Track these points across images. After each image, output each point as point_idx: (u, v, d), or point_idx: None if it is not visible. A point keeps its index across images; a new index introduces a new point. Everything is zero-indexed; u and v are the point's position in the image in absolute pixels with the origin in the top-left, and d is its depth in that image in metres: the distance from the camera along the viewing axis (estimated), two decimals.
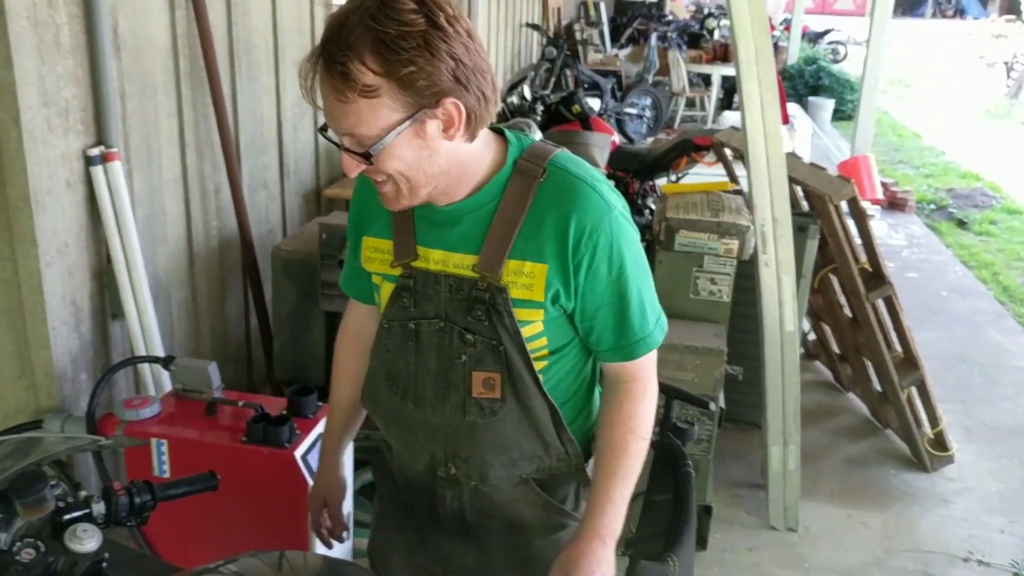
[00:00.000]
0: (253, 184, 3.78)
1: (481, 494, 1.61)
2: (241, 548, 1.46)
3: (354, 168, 1.41)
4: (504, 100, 6.42)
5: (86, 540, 1.38)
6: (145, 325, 2.87)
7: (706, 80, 11.88)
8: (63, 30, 2.55)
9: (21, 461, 1.49)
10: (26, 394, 2.72)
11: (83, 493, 1.47)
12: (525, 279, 1.46)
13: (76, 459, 2.77)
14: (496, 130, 1.52)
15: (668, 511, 1.13)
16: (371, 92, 1.29)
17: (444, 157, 1.39)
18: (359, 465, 2.91)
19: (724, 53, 11.88)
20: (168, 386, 2.92)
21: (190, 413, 2.53)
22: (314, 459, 2.41)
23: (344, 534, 1.96)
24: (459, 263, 1.50)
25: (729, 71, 11.55)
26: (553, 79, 8.86)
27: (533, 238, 1.45)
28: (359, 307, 1.82)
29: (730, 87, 12.04)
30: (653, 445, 1.43)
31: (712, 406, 2.98)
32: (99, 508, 1.45)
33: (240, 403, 2.54)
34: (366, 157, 1.36)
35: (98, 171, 2.70)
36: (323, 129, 1.43)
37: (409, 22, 1.27)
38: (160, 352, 2.92)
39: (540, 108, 6.20)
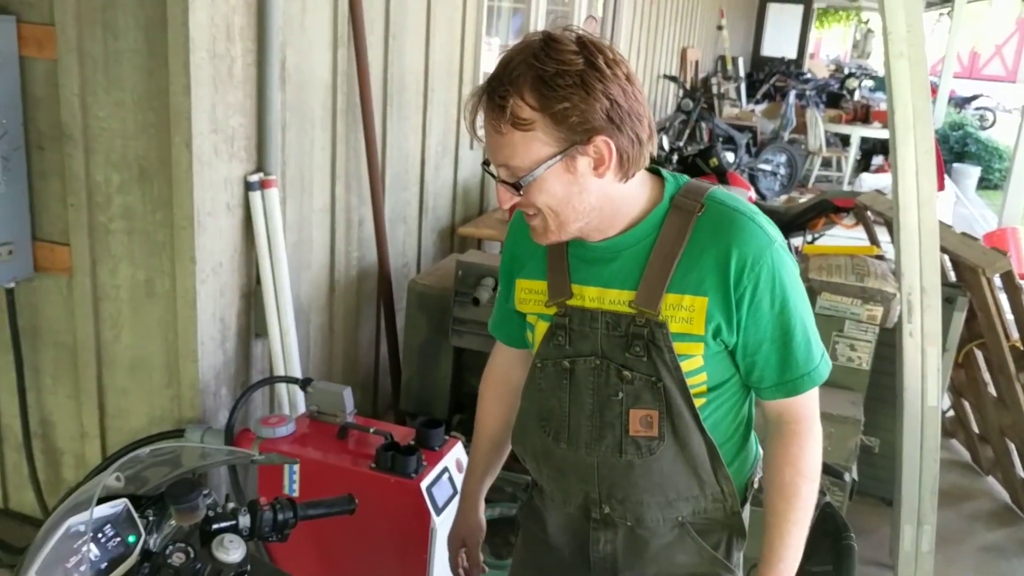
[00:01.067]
0: (394, 218, 3.89)
1: (636, 537, 1.59)
2: (362, 574, 1.48)
3: (507, 200, 1.45)
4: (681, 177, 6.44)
5: (232, 550, 1.43)
6: (286, 346, 2.98)
7: (844, 140, 11.62)
8: (237, 63, 2.70)
9: (176, 468, 1.56)
10: (171, 404, 2.85)
11: (231, 505, 1.52)
12: (685, 312, 1.45)
13: (209, 472, 2.88)
14: (653, 171, 1.53)
15: None
16: (525, 125, 1.35)
17: (595, 194, 1.42)
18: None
19: (865, 114, 11.62)
20: (301, 407, 3.02)
21: (322, 435, 2.60)
22: (438, 491, 2.44)
23: (480, 575, 1.97)
24: (615, 299, 1.50)
25: (869, 132, 11.28)
26: (688, 131, 8.82)
27: (693, 271, 1.44)
28: (506, 351, 1.87)
29: (869, 148, 11.74)
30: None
31: (846, 477, 2.87)
32: (245, 521, 1.50)
33: (371, 430, 2.59)
34: (516, 188, 1.41)
35: (256, 196, 2.83)
36: (486, 163, 1.49)
37: (568, 62, 1.32)
38: (297, 373, 3.01)
39: (676, 159, 6.18)
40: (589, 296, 1.53)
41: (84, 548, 1.31)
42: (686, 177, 1.54)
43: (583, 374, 1.54)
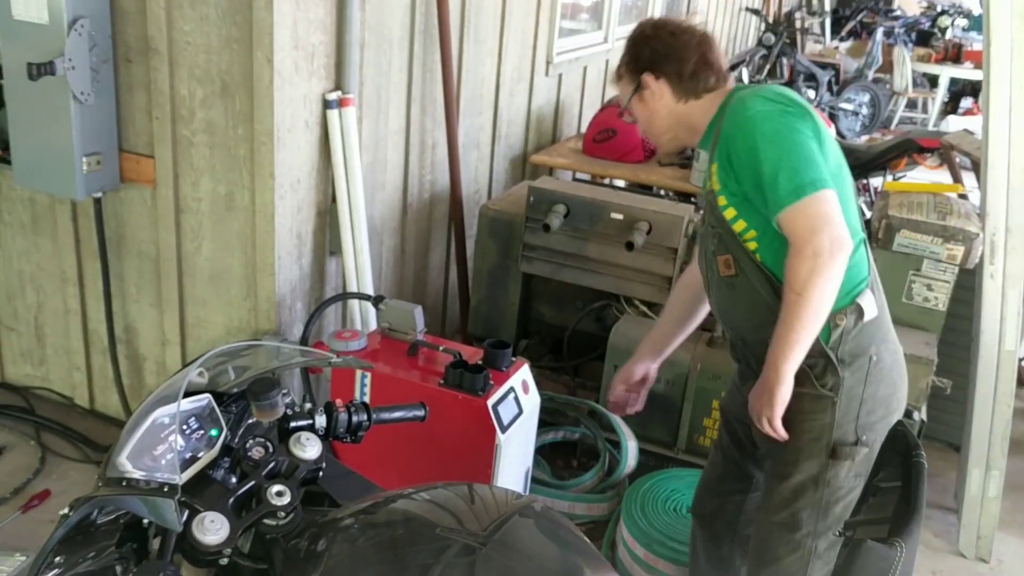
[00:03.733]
0: (467, 143, 3.90)
1: (748, 346, 2.06)
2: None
3: (629, 119, 2.16)
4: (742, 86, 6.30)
5: (308, 448, 1.48)
6: (359, 264, 3.03)
7: (932, 81, 11.15)
8: None
9: (256, 368, 1.61)
10: (248, 315, 2.94)
11: (308, 405, 1.58)
12: (713, 177, 1.93)
13: (283, 377, 2.97)
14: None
15: (894, 498, 1.09)
16: (619, 78, 2.11)
17: (664, 113, 2.04)
18: (542, 425, 2.98)
19: (956, 53, 11.12)
20: (373, 324, 3.08)
21: (393, 351, 2.66)
22: (504, 410, 2.49)
23: (632, 411, 2.46)
24: (705, 186, 2.01)
25: (959, 73, 10.81)
26: (768, 66, 8.58)
27: (714, 148, 1.92)
28: None
29: (958, 90, 11.28)
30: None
31: (915, 416, 2.83)
32: (321, 421, 1.56)
33: (440, 348, 2.64)
34: (622, 112, 2.14)
35: (334, 115, 2.86)
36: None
37: (633, 36, 2.07)
38: (370, 291, 3.07)
39: None
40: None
41: (171, 438, 1.37)
42: (748, 86, 1.98)
43: (700, 236, 2.11)
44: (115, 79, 2.79)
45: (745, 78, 6.22)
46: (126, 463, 1.31)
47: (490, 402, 2.45)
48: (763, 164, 1.79)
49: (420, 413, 1.69)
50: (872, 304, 1.92)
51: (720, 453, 2.36)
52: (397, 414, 1.66)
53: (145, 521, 1.38)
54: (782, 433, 1.91)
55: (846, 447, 1.93)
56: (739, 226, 1.90)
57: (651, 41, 2.01)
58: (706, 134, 2.01)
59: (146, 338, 3.19)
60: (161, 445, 1.36)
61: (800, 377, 1.87)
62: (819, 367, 1.91)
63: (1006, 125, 2.92)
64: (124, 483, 1.28)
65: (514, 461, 2.57)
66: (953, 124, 8.59)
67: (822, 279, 1.74)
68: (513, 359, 2.65)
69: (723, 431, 2.34)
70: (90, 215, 2.98)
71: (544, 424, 3.19)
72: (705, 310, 2.31)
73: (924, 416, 2.99)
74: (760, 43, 9.00)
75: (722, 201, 1.91)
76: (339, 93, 2.87)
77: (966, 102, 11.15)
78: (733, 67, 6.79)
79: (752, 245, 1.90)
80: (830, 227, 1.74)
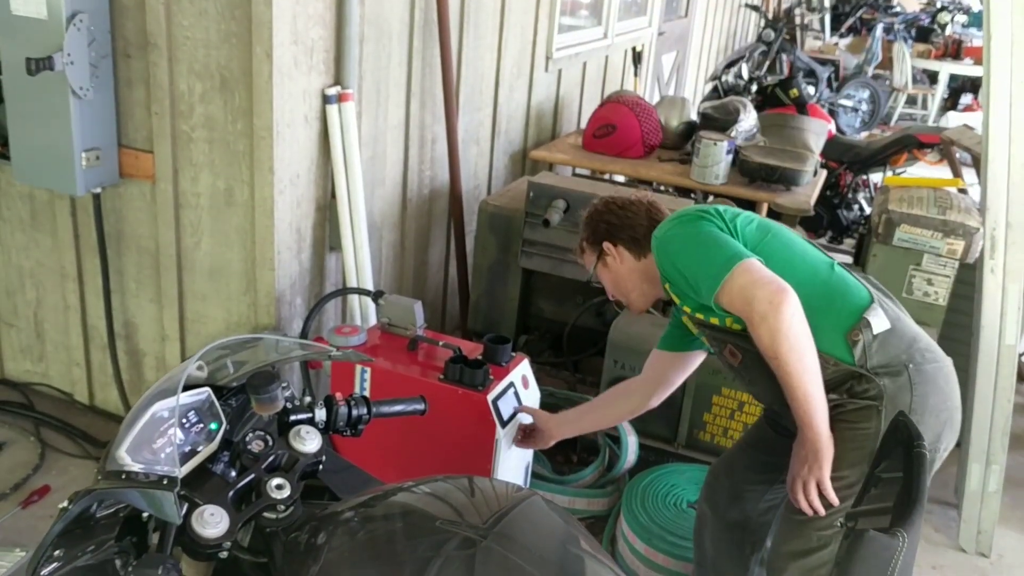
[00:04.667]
0: (467, 139, 3.89)
1: (788, 415, 1.98)
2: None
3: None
4: (719, 78, 6.28)
5: (308, 441, 1.48)
6: (359, 260, 3.03)
7: (932, 77, 11.15)
8: None
9: (256, 362, 1.61)
10: (248, 310, 2.94)
11: (307, 399, 1.57)
12: (672, 296, 2.14)
13: (282, 372, 2.97)
14: None
15: (896, 489, 1.09)
16: (583, 251, 2.37)
17: (627, 274, 2.28)
18: None
19: (956, 50, 11.12)
20: (373, 319, 3.08)
21: (393, 346, 2.66)
22: (504, 404, 2.48)
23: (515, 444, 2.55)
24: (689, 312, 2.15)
25: (959, 69, 10.81)
26: (768, 62, 8.56)
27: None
28: (656, 358, 2.46)
29: (957, 87, 11.27)
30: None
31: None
32: (321, 414, 1.55)
33: (440, 343, 2.64)
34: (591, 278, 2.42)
35: (333, 110, 2.86)
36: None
37: (589, 214, 2.35)
38: (370, 287, 3.07)
39: (755, 89, 6.02)
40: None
41: (170, 431, 1.37)
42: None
43: (706, 342, 2.24)
44: (114, 74, 2.79)
45: (745, 74, 6.21)
46: (125, 456, 1.30)
47: (490, 397, 2.44)
48: (684, 274, 1.97)
49: (420, 407, 1.69)
50: (882, 317, 1.94)
51: (753, 443, 2.41)
52: (397, 408, 1.65)
53: (145, 515, 1.38)
54: (819, 508, 1.91)
55: None
56: (715, 321, 2.04)
57: (604, 215, 2.28)
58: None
59: (146, 334, 3.18)
60: (160, 438, 1.36)
61: (839, 400, 1.94)
62: (855, 385, 1.93)
63: (1006, 119, 2.91)
64: (123, 476, 1.28)
65: (514, 456, 2.57)
66: (953, 120, 8.57)
67: (782, 333, 1.80)
68: (513, 354, 2.65)
69: (763, 426, 2.38)
70: (89, 211, 2.98)
71: None
72: (627, 417, 2.57)
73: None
74: (759, 39, 8.97)
75: (688, 309, 2.09)
76: (338, 88, 2.87)
77: (966, 98, 11.15)
78: (732, 63, 6.78)
79: (736, 327, 1.98)
80: (759, 287, 1.82)
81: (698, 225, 1.98)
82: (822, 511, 1.90)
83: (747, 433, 2.49)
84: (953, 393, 2.00)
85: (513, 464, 2.58)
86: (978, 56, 9.31)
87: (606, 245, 2.26)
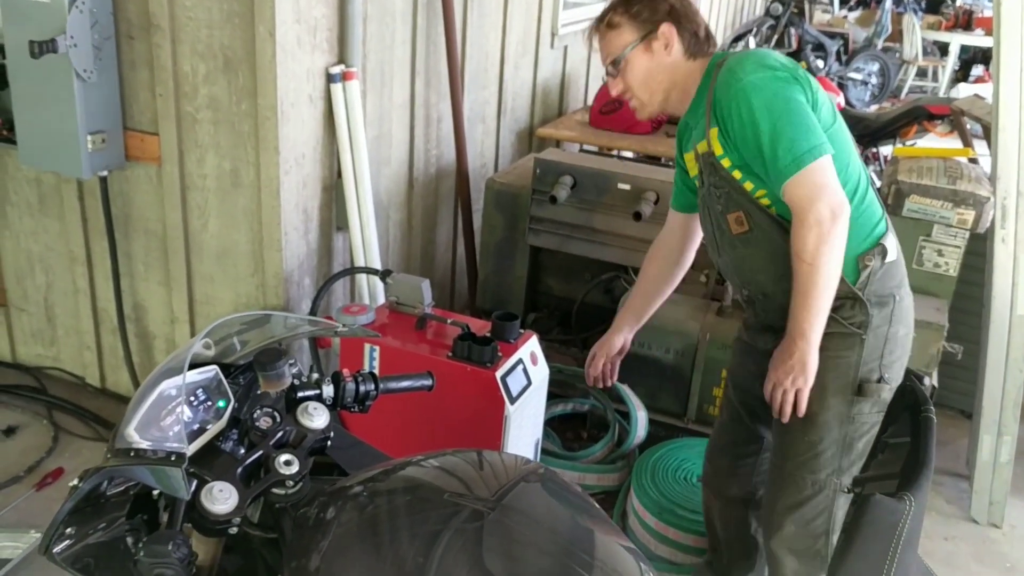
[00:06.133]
0: (472, 117, 3.88)
1: (769, 301, 2.07)
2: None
3: (614, 87, 2.10)
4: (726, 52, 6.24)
5: (316, 417, 1.48)
6: (366, 239, 3.03)
7: (942, 49, 11.05)
8: None
9: (263, 339, 1.61)
10: (256, 291, 2.94)
11: (315, 375, 1.58)
12: (713, 141, 1.96)
13: (291, 350, 2.98)
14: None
15: (903, 454, 1.09)
16: (616, 26, 2.04)
17: (667, 71, 2.02)
18: (551, 397, 2.98)
19: (967, 20, 11.01)
20: (381, 299, 3.08)
21: (401, 325, 2.66)
22: (513, 381, 2.49)
23: (608, 383, 2.49)
24: (701, 147, 2.02)
25: (970, 40, 10.71)
26: (776, 36, 8.50)
27: (709, 114, 1.95)
28: (674, 217, 2.37)
29: (968, 58, 11.17)
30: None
31: (926, 382, 2.81)
32: (328, 391, 1.55)
33: (448, 321, 2.64)
34: (616, 67, 2.05)
35: (337, 89, 2.85)
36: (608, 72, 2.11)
37: None
38: (377, 266, 3.07)
39: None
40: (702, 149, 2.02)
41: (178, 409, 1.37)
42: (722, 53, 2.02)
43: (703, 199, 2.10)
44: (118, 56, 2.78)
45: (752, 45, 6.17)
46: (134, 434, 1.31)
47: (499, 374, 2.44)
48: (761, 136, 1.84)
49: (427, 382, 1.69)
50: (895, 245, 1.99)
51: (729, 418, 2.38)
52: (404, 383, 1.65)
53: (155, 493, 1.39)
54: (802, 408, 1.96)
55: (871, 384, 1.98)
56: (748, 186, 1.94)
57: None
58: (695, 100, 2.03)
59: (155, 316, 3.19)
60: (168, 416, 1.36)
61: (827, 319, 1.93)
62: (846, 307, 1.96)
63: (1017, 88, 2.88)
64: (132, 454, 1.28)
65: (524, 432, 2.57)
66: (964, 92, 8.49)
67: (828, 246, 1.81)
68: (521, 331, 2.65)
69: (731, 396, 2.37)
70: (96, 194, 2.98)
71: (553, 396, 3.19)
72: (679, 276, 2.41)
73: (935, 382, 2.98)
74: (768, 13, 8.90)
75: (726, 163, 1.95)
76: (342, 67, 2.86)
77: (977, 70, 11.04)
78: (739, 37, 6.73)
79: (765, 201, 1.94)
80: (827, 194, 1.81)
81: (791, 89, 1.85)
82: (796, 414, 1.96)
83: (722, 412, 2.46)
84: (912, 326, 2.08)
85: (523, 440, 2.59)
86: (989, 27, 9.21)
87: (665, 27, 1.98)
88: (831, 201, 1.81)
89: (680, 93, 2.04)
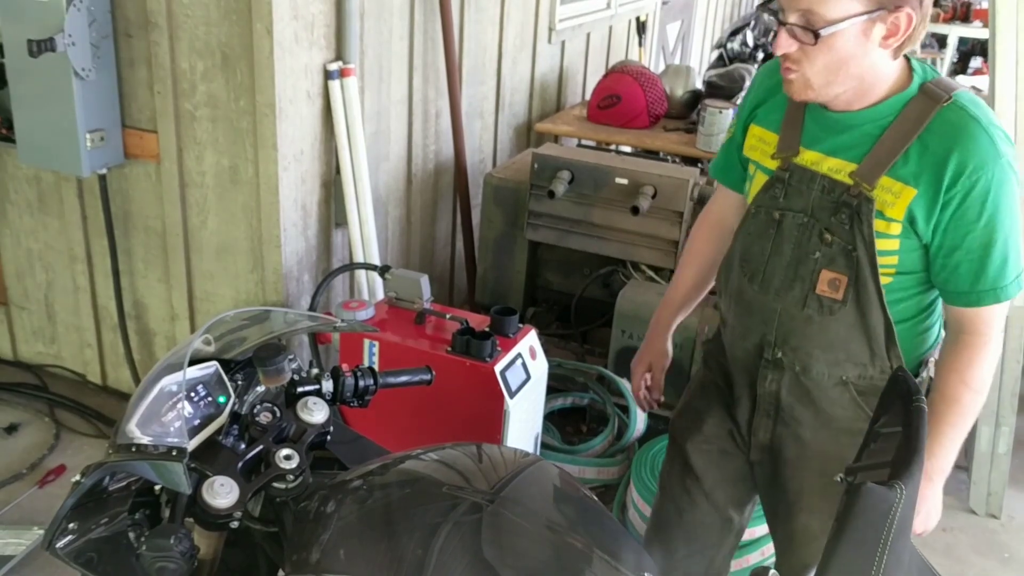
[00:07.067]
0: (470, 112, 3.88)
1: (799, 383, 1.71)
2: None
3: (787, 46, 1.49)
4: (724, 46, 6.24)
5: (316, 412, 1.49)
6: (365, 235, 3.04)
7: (940, 41, 11.03)
8: None
9: (262, 334, 1.62)
10: (255, 288, 2.95)
11: (315, 371, 1.59)
12: (891, 197, 1.51)
13: (291, 346, 2.99)
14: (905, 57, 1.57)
15: (894, 443, 1.10)
16: None
17: (868, 63, 1.48)
18: (551, 391, 2.99)
19: (965, 12, 11.00)
20: (380, 294, 3.09)
21: (401, 320, 2.67)
22: (512, 375, 2.50)
23: (660, 399, 2.13)
24: (835, 167, 1.58)
25: (968, 32, 10.70)
26: (774, 30, 8.48)
27: (914, 162, 1.49)
28: (727, 196, 1.94)
29: (967, 50, 11.16)
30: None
31: (923, 373, 2.82)
32: (328, 386, 1.56)
33: (447, 316, 2.65)
34: (815, 36, 1.44)
35: (335, 85, 2.85)
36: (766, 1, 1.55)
37: None
38: (376, 262, 3.08)
39: (760, 56, 5.98)
40: (811, 159, 1.61)
41: (179, 405, 1.38)
42: (935, 70, 1.58)
43: (789, 227, 1.65)
44: (116, 54, 2.79)
45: (750, 41, 6.16)
46: (135, 430, 1.32)
47: (498, 368, 2.45)
48: (995, 243, 1.48)
49: (426, 377, 1.70)
50: None
51: (688, 503, 1.99)
52: (403, 378, 1.66)
53: (156, 488, 1.40)
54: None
55: None
56: (888, 260, 1.56)
57: None
58: (872, 109, 1.54)
59: (155, 313, 3.21)
60: (169, 412, 1.38)
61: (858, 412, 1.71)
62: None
63: (1012, 80, 2.89)
64: (134, 449, 1.30)
65: (523, 426, 2.58)
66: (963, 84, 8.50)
67: (987, 367, 1.59)
68: (520, 325, 2.66)
69: (689, 469, 1.95)
70: (96, 192, 2.99)
71: (553, 390, 3.21)
72: (710, 284, 2.02)
73: (932, 373, 2.99)
74: (765, 4, 8.89)
75: (885, 227, 1.53)
76: (340, 63, 2.86)
77: (975, 62, 11.02)
78: (737, 31, 6.72)
79: (887, 279, 1.57)
80: (1002, 325, 1.59)
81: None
82: None
83: (666, 492, 2.06)
84: None
85: (523, 435, 2.60)
86: (987, 18, 9.23)
87: (908, 12, 1.42)
88: (1001, 326, 1.58)
89: (859, 93, 1.53)
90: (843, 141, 1.57)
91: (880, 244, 1.53)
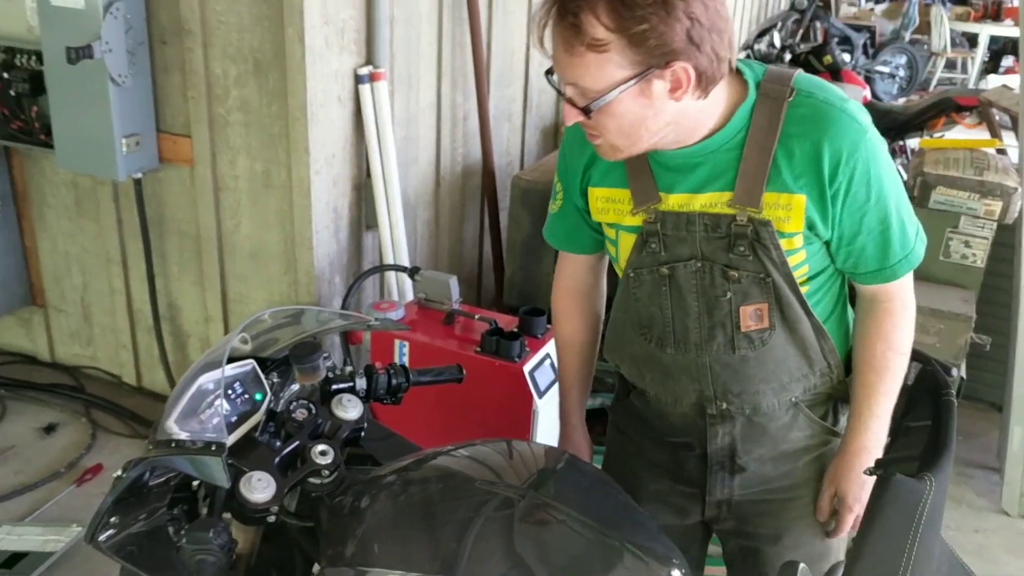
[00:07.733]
0: (498, 115, 3.91)
1: (753, 424, 1.59)
2: None
3: (573, 118, 1.38)
4: (751, 47, 6.23)
5: (350, 409, 1.52)
6: (395, 238, 3.07)
7: (971, 41, 10.92)
8: None
9: (297, 334, 1.65)
10: (288, 289, 2.99)
11: (348, 368, 1.61)
12: (783, 212, 1.41)
13: (323, 344, 3.02)
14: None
15: (924, 437, 1.11)
16: (600, 47, 1.26)
17: (669, 114, 1.35)
18: None
19: (996, 10, 10.88)
20: (410, 295, 3.12)
21: (430, 321, 2.70)
22: (540, 376, 2.51)
23: None
24: (709, 202, 1.45)
25: (999, 31, 10.58)
26: (801, 30, 8.45)
27: (787, 168, 1.39)
28: (574, 260, 1.78)
29: (998, 49, 11.04)
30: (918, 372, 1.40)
31: (954, 373, 2.81)
32: (361, 383, 1.59)
33: (476, 317, 2.67)
34: (585, 111, 1.34)
35: (366, 89, 2.89)
36: (549, 72, 1.41)
37: None
38: (406, 264, 3.11)
39: (788, 57, 5.97)
40: (678, 202, 1.47)
41: (216, 403, 1.41)
42: (762, 64, 1.47)
43: (684, 278, 1.51)
44: (151, 61, 2.85)
45: (777, 42, 6.15)
46: (174, 426, 1.35)
47: (526, 368, 2.47)
48: (890, 216, 1.43)
49: (458, 376, 1.72)
50: None
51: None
52: (435, 376, 1.69)
53: (195, 484, 1.43)
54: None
55: None
56: (801, 271, 1.49)
57: (689, 2, 1.25)
58: (715, 136, 1.42)
59: (189, 316, 3.26)
60: (207, 409, 1.40)
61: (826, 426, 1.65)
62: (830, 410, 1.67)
63: None
64: (173, 445, 1.33)
65: (551, 426, 2.59)
66: (993, 83, 8.41)
67: (910, 333, 1.56)
68: (548, 326, 2.67)
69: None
70: (131, 196, 3.05)
71: None
72: (595, 357, 1.87)
73: (963, 374, 2.98)
74: (792, 6, 8.85)
75: (790, 243, 1.45)
76: (370, 68, 2.90)
77: (1007, 60, 10.91)
78: (764, 32, 6.71)
79: (805, 288, 1.50)
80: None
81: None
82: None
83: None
84: None
85: (552, 434, 2.60)
86: (1018, 17, 9.13)
87: (680, 67, 1.28)
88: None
89: (687, 132, 1.41)
90: (704, 174, 1.44)
91: (791, 260, 1.45)
